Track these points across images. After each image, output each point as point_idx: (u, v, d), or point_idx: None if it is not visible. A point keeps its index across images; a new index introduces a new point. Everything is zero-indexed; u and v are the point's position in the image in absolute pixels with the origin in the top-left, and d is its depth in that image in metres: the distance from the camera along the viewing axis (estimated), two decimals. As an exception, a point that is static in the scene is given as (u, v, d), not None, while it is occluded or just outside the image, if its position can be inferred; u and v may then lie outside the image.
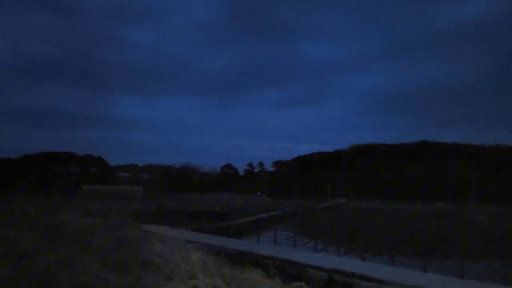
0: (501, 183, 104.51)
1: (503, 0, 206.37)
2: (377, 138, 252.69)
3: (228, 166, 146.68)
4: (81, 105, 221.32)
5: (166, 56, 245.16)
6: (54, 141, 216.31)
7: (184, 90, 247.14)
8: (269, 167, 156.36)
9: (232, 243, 26.82)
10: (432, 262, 24.15)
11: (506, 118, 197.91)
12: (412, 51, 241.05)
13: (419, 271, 21.38)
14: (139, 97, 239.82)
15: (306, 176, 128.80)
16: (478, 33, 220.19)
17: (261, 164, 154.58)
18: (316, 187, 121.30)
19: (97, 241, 10.46)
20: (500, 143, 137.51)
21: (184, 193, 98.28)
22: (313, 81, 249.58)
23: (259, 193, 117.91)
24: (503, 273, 20.77)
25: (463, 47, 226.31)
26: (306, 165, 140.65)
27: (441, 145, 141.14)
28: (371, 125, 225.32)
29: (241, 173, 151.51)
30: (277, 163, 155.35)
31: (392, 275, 19.22)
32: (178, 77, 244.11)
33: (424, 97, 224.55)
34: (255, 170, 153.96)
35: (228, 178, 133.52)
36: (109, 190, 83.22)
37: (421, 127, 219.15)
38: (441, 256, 28.90)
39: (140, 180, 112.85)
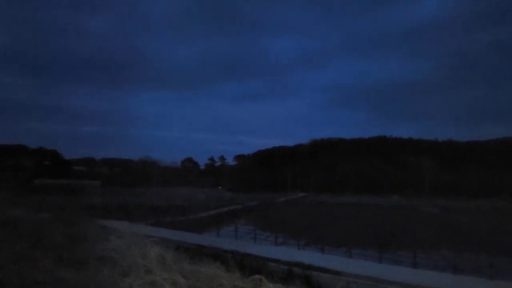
0: (453, 177, 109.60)
1: (454, 1, 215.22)
2: (336, 132, 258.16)
3: (189, 160, 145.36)
4: (34, 96, 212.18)
5: (125, 47, 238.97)
6: (5, 133, 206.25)
7: (143, 82, 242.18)
8: (231, 161, 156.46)
9: (192, 238, 26.61)
10: (387, 253, 25.00)
11: (458, 114, 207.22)
12: (370, 48, 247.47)
13: (375, 262, 22.07)
14: (96, 88, 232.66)
15: (267, 170, 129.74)
16: (433, 32, 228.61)
17: (222, 158, 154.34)
18: (277, 181, 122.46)
19: (51, 237, 10.08)
20: (452, 138, 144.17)
21: (144, 187, 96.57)
22: (275, 76, 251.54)
23: (220, 187, 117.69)
24: (453, 262, 21.78)
25: (419, 45, 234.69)
26: (267, 159, 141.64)
27: (397, 140, 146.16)
28: (331, 120, 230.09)
29: (202, 167, 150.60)
30: (238, 157, 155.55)
31: (349, 267, 19.70)
32: (137, 68, 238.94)
33: (382, 92, 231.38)
34: (216, 164, 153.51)
35: (189, 172, 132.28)
36: (64, 184, 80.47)
37: (379, 122, 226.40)
38: (396, 247, 29.92)
39: (98, 174, 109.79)
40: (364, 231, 40.80)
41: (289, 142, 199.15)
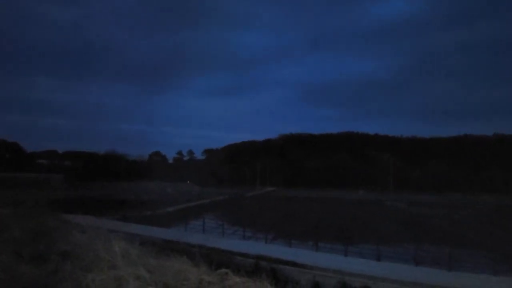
0: (416, 172, 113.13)
1: (421, 1, 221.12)
2: (306, 128, 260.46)
3: (157, 154, 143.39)
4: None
5: (89, 37, 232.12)
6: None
7: (109, 74, 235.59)
8: (199, 156, 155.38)
9: (159, 232, 26.36)
10: (353, 247, 25.59)
11: (422, 111, 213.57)
12: (339, 44, 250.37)
13: (341, 255, 22.54)
14: (59, 79, 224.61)
15: (236, 165, 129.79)
16: (399, 30, 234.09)
17: (190, 153, 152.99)
18: (246, 176, 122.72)
19: (10, 232, 9.73)
20: (416, 135, 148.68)
21: (110, 181, 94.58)
22: (244, 70, 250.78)
23: (188, 182, 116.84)
24: (415, 255, 22.52)
25: (387, 43, 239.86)
26: (236, 154, 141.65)
27: (364, 136, 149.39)
28: (300, 115, 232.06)
29: (170, 161, 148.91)
30: (207, 152, 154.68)
31: (315, 260, 20.06)
32: (102, 60, 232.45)
33: (350, 89, 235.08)
34: (185, 159, 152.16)
35: (156, 167, 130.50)
36: (25, 178, 77.77)
37: (347, 119, 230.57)
38: (361, 240, 30.66)
39: (61, 168, 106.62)
40: (331, 224, 41.56)
41: (259, 137, 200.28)
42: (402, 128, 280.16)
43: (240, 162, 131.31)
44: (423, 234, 36.04)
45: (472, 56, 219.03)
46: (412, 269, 19.96)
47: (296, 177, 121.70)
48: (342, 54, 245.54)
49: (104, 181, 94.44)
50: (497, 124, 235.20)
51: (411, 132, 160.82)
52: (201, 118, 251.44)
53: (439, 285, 16.27)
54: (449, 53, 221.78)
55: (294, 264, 18.55)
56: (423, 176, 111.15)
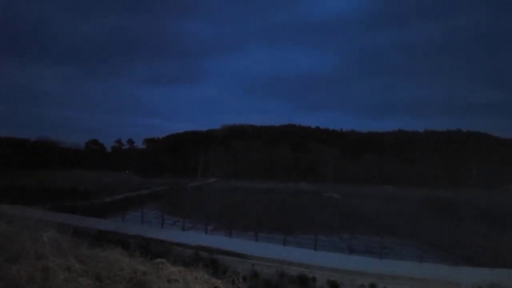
0: (354, 165, 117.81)
1: None
2: (249, 119, 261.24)
3: (94, 142, 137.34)
4: None
5: (24, 17, 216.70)
6: None
7: (42, 56, 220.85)
8: (140, 145, 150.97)
9: (94, 223, 25.44)
10: (292, 236, 26.19)
11: (361, 106, 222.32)
12: (283, 37, 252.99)
13: (280, 245, 23.02)
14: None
15: (178, 155, 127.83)
16: (341, 27, 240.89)
17: (130, 142, 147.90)
18: (188, 166, 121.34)
19: None
20: (355, 129, 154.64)
21: (42, 169, 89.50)
22: (189, 59, 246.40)
23: (128, 172, 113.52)
24: (349, 244, 23.52)
25: (329, 38, 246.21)
26: (178, 144, 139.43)
27: (305, 129, 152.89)
28: (243, 107, 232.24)
29: (109, 150, 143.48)
30: (148, 141, 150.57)
31: (255, 249, 20.35)
32: (37, 42, 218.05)
33: (293, 82, 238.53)
34: (124, 148, 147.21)
35: (94, 155, 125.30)
36: None
37: (289, 111, 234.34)
38: (300, 230, 31.46)
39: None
40: (271, 215, 42.28)
41: (202, 127, 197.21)
42: (342, 122, 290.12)
43: (182, 152, 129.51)
44: (358, 225, 37.65)
45: (408, 55, 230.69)
46: (347, 258, 20.85)
47: (238, 168, 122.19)
48: (287, 47, 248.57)
49: (36, 169, 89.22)
50: (428, 121, 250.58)
51: (350, 126, 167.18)
52: (142, 107, 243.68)
53: (370, 272, 17.12)
54: (386, 51, 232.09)
55: (233, 254, 18.69)
56: (360, 169, 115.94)
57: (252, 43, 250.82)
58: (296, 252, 20.95)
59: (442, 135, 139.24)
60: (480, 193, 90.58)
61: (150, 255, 6.57)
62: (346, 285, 14.91)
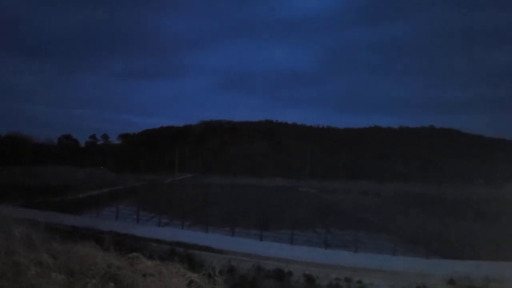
0: (331, 161, 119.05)
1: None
2: (226, 115, 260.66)
3: (67, 137, 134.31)
4: None
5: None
6: None
7: (14, 50, 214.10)
8: (115, 141, 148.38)
9: (67, 219, 24.91)
10: (269, 231, 26.34)
11: (338, 103, 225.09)
12: (261, 34, 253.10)
13: (257, 240, 23.11)
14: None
15: (154, 151, 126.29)
16: (320, 24, 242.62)
17: (105, 137, 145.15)
18: (164, 162, 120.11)
19: None
20: (331, 125, 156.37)
21: (13, 166, 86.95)
22: (165, 54, 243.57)
23: (102, 167, 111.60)
24: (325, 238, 23.80)
25: (307, 36, 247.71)
26: (154, 139, 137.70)
27: (282, 125, 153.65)
28: (221, 102, 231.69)
29: (82, 145, 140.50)
30: (123, 136, 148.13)
31: (232, 245, 20.37)
32: (8, 34, 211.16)
33: (271, 78, 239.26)
34: (99, 143, 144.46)
35: (67, 151, 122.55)
36: None
37: (267, 107, 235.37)
38: (277, 225, 31.62)
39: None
40: (248, 211, 42.33)
41: (178, 122, 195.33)
42: (319, 118, 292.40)
43: (159, 148, 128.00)
44: (333, 219, 38.14)
45: (383, 53, 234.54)
46: (323, 252, 21.09)
47: (215, 164, 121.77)
48: (264, 43, 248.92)
49: (7, 165, 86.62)
50: (403, 118, 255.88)
51: (327, 123, 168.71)
52: (117, 102, 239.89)
53: (346, 265, 17.38)
54: (362, 49, 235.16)
55: (210, 249, 18.66)
56: (336, 165, 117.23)
57: (229, 39, 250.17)
58: (272, 247, 21.08)
59: (416, 132, 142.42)
60: (452, 188, 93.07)
61: (125, 251, 6.48)
62: (322, 278, 15.10)
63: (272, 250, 19.83)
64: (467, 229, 32.04)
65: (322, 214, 42.26)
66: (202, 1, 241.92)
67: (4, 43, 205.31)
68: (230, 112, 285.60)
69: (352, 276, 15.23)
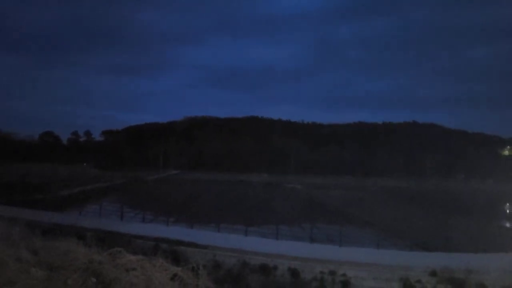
0: (315, 156, 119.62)
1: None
2: (211, 111, 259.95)
3: (48, 134, 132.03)
4: None
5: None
6: None
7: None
8: (98, 137, 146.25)
9: (49, 217, 24.45)
10: (254, 227, 26.36)
11: (322, 99, 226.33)
12: (246, 30, 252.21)
13: (242, 236, 23.11)
14: None
15: (138, 147, 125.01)
16: (304, 20, 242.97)
17: (88, 134, 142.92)
18: (148, 159, 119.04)
19: None
20: (316, 121, 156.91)
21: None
22: (149, 50, 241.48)
23: (85, 164, 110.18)
24: (310, 233, 23.93)
25: (292, 32, 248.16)
26: (138, 136, 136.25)
27: (267, 121, 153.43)
28: (205, 98, 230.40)
29: (65, 142, 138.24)
30: (106, 133, 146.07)
31: (217, 241, 20.33)
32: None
33: (256, 75, 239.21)
34: (81, 140, 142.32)
35: (48, 148, 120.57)
36: None
37: (252, 103, 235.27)
38: (262, 221, 31.66)
39: None
40: (233, 207, 42.32)
41: (163, 119, 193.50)
42: (304, 114, 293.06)
43: (143, 144, 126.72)
44: (319, 214, 38.37)
45: (367, 49, 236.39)
46: (308, 246, 21.22)
47: (200, 160, 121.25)
48: (249, 39, 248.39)
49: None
50: (387, 113, 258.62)
51: (312, 119, 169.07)
52: (101, 98, 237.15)
53: (330, 259, 17.50)
54: (348, 45, 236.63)
55: (195, 245, 18.58)
56: (321, 160, 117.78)
57: (214, 35, 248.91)
58: (258, 242, 21.11)
59: (399, 127, 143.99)
60: (434, 182, 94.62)
61: (107, 247, 6.40)
62: (307, 272, 15.18)
63: (258, 245, 19.85)
64: (448, 222, 32.63)
65: (308, 210, 42.48)
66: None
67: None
68: (215, 109, 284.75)
69: (336, 270, 15.34)
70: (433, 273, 15.22)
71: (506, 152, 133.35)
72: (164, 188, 64.22)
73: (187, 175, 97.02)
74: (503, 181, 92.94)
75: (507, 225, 38.01)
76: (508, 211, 52.57)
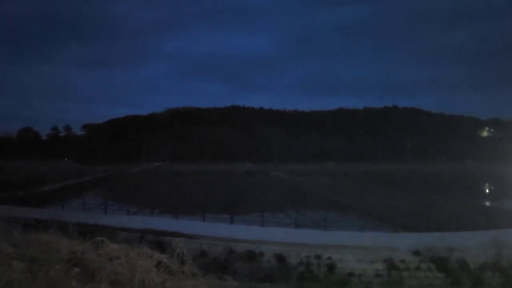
0: (298, 144, 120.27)
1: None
2: (192, 102, 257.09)
3: (27, 130, 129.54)
4: None
5: None
6: None
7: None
8: (78, 131, 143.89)
9: (31, 212, 24.08)
10: (240, 216, 26.41)
11: (303, 86, 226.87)
12: (225, 19, 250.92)
13: (227, 224, 23.18)
14: None
15: (120, 140, 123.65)
16: (283, 8, 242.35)
17: (67, 128, 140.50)
18: (131, 151, 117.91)
19: None
20: (298, 109, 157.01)
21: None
22: (127, 41, 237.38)
23: (66, 159, 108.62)
24: (295, 219, 24.14)
25: (270, 20, 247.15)
26: (120, 128, 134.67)
27: (249, 110, 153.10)
28: (186, 89, 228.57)
29: (44, 138, 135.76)
30: (87, 127, 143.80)
31: (203, 230, 20.32)
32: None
33: (236, 63, 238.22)
34: (61, 135, 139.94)
35: (28, 144, 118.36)
36: None
37: (233, 92, 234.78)
38: (247, 209, 31.73)
39: None
40: (218, 196, 42.28)
41: (143, 111, 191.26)
42: (285, 102, 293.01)
43: (125, 137, 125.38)
44: (303, 201, 38.68)
45: (346, 35, 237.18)
46: (293, 232, 21.41)
47: (183, 151, 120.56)
48: (228, 28, 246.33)
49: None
50: (367, 99, 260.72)
51: (293, 106, 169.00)
52: (79, 91, 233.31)
53: (316, 243, 17.68)
54: (326, 32, 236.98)
55: (180, 235, 18.53)
56: (304, 148, 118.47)
57: (192, 25, 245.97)
58: (243, 230, 21.18)
59: (380, 112, 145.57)
60: (415, 165, 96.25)
61: (91, 239, 6.31)
62: (293, 257, 15.34)
63: (243, 233, 19.92)
64: (430, 203, 33.31)
65: (292, 197, 42.75)
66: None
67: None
68: (196, 99, 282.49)
69: (322, 253, 15.54)
70: (416, 253, 15.55)
71: (485, 133, 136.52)
72: (147, 180, 63.78)
73: (170, 167, 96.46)
74: (482, 162, 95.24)
75: (487, 204, 39.02)
76: (487, 190, 53.90)
